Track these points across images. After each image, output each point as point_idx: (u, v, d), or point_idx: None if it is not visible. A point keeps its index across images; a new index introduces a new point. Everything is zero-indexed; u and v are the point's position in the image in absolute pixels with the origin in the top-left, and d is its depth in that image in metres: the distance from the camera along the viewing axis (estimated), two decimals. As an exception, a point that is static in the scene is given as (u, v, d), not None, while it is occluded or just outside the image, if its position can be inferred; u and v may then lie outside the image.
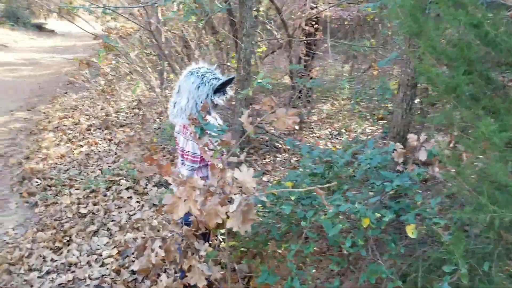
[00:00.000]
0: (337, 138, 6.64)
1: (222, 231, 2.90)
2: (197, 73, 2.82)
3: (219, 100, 2.88)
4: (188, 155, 2.86)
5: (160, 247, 2.93)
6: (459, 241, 1.97)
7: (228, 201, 2.16)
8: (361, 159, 2.73)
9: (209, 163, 2.81)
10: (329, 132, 6.88)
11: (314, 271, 2.79)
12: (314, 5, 7.31)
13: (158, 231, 3.33)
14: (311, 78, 6.95)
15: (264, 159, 5.76)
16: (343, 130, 6.85)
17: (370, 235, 2.40)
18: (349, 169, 2.85)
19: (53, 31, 20.82)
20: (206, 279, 2.84)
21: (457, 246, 1.99)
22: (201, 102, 2.82)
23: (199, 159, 2.79)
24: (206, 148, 2.35)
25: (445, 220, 2.17)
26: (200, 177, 2.89)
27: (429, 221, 2.24)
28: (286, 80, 8.36)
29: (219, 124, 2.83)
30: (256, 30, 8.20)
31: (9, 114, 8.07)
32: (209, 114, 2.88)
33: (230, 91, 2.99)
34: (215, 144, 2.57)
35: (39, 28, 21.68)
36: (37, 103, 8.76)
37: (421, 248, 2.38)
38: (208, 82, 2.80)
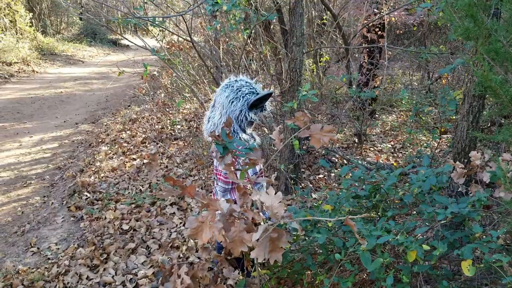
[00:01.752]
0: (400, 152, 6.10)
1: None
2: (232, 86, 2.57)
3: (255, 116, 2.61)
4: (220, 174, 2.63)
5: (186, 273, 2.70)
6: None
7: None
8: (412, 180, 2.31)
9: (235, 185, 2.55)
10: (392, 145, 6.34)
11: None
12: (377, 11, 6.85)
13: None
14: (374, 87, 6.48)
15: (318, 174, 5.38)
16: (407, 144, 6.28)
17: (418, 271, 2.00)
18: (398, 191, 2.44)
19: (127, 46, 21.84)
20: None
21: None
22: (236, 118, 2.57)
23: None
24: (232, 168, 2.08)
25: (509, 258, 1.73)
26: (234, 199, 2.63)
27: (490, 258, 1.81)
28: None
29: (248, 142, 2.55)
30: (320, 40, 7.88)
31: (74, 126, 8.37)
32: (244, 131, 2.61)
33: (268, 107, 2.71)
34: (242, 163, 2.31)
35: (114, 43, 22.92)
36: (101, 116, 9.03)
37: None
38: (243, 96, 2.54)
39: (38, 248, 4.12)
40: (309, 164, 5.64)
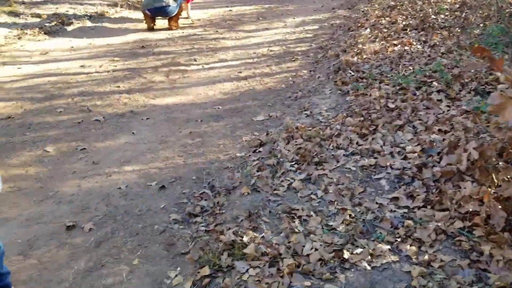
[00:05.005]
0: None
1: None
2: None
3: None
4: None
5: (475, 148, 2.66)
6: None
7: None
8: None
9: None
10: None
11: None
12: None
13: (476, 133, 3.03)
14: None
15: None
16: None
17: None
18: None
19: None
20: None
21: None
22: None
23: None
24: None
25: None
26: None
27: None
28: None
29: None
30: None
31: (331, 11, 8.65)
32: None
33: None
34: None
35: None
36: (357, 3, 9.04)
37: None
38: None
39: (310, 112, 4.64)
40: None
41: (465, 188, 2.92)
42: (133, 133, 4.68)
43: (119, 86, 6.00)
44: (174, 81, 6.21)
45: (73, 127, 4.84)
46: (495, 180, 2.65)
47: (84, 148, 4.38)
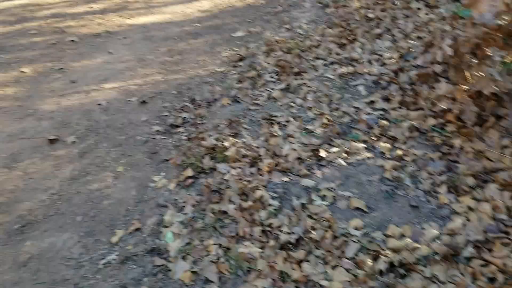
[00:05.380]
0: None
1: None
2: None
3: None
4: None
5: (449, 46, 2.69)
6: None
7: None
8: None
9: None
10: None
11: None
12: None
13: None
14: None
15: None
16: None
17: None
18: None
19: None
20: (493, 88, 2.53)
21: None
22: None
23: None
24: None
25: None
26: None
27: None
28: None
29: None
30: None
31: None
32: None
33: None
34: None
35: None
36: None
37: None
38: None
39: (291, 26, 4.57)
40: None
41: (439, 88, 2.99)
42: (110, 52, 4.59)
43: (92, 7, 5.79)
44: (149, 0, 6.00)
45: (48, 48, 4.72)
46: (468, 77, 2.71)
47: (61, 68, 4.31)
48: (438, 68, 3.15)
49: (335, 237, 2.17)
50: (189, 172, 2.70)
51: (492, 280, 1.91)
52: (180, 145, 3.05)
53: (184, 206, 2.49)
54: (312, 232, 2.20)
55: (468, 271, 1.95)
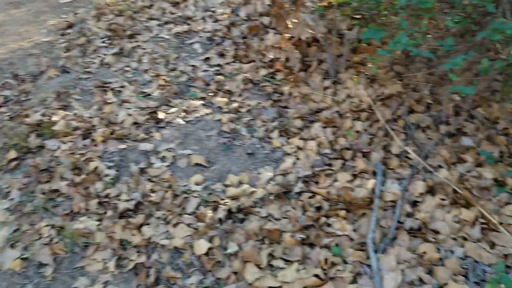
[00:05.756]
0: None
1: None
2: None
3: None
4: None
5: (268, -4, 2.77)
6: None
7: None
8: None
9: None
10: None
11: (426, 29, 2.44)
12: None
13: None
14: None
15: None
16: None
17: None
18: None
19: None
20: (309, 32, 2.70)
21: None
22: None
23: None
24: None
25: None
26: None
27: None
28: None
29: None
30: None
31: None
32: None
33: None
34: None
35: None
36: None
37: None
38: None
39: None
40: None
41: (268, 39, 3.10)
42: None
43: None
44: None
45: None
46: (289, 25, 2.84)
47: None
48: (266, 20, 3.27)
49: (175, 196, 2.17)
50: (12, 154, 2.43)
51: (318, 208, 2.09)
52: (1, 126, 2.72)
53: (9, 192, 2.25)
54: (152, 195, 2.16)
55: (298, 204, 2.10)
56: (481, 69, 1.94)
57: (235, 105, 2.73)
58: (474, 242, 1.89)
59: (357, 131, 2.46)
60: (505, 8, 1.91)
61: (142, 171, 2.31)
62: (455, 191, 2.08)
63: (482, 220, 1.96)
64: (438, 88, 2.53)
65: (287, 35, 2.90)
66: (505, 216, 1.98)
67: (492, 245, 1.89)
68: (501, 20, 1.81)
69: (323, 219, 2.02)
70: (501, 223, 1.95)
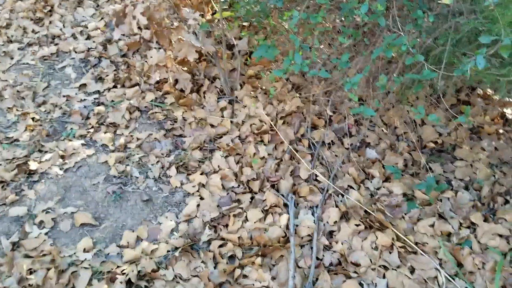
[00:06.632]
0: None
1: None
2: None
3: None
4: None
5: (142, 13, 2.45)
6: (508, 4, 1.48)
7: None
8: None
9: None
10: None
11: (321, 46, 2.32)
12: None
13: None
14: None
15: None
16: None
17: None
18: None
19: None
20: (197, 52, 2.43)
21: (503, 12, 1.50)
22: None
23: None
24: None
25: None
26: None
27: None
28: None
29: None
30: None
31: None
32: None
33: None
34: None
35: None
36: None
37: (455, 19, 1.84)
38: None
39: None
40: None
41: (151, 57, 2.76)
42: None
43: None
44: None
45: None
46: (173, 43, 2.54)
47: None
48: (147, 34, 2.91)
49: (61, 272, 1.80)
50: None
51: (232, 257, 1.88)
52: None
53: None
54: (31, 277, 1.77)
55: (209, 256, 1.87)
56: (380, 86, 1.84)
57: (122, 140, 2.38)
58: (394, 269, 1.81)
59: (262, 157, 2.26)
60: (396, 19, 1.81)
61: (16, 245, 1.90)
62: (367, 212, 1.99)
63: (398, 244, 1.89)
64: (338, 104, 2.43)
65: (172, 55, 2.60)
66: (419, 234, 1.93)
67: (412, 270, 1.82)
68: (393, 35, 1.70)
69: (238, 271, 1.81)
70: (416, 243, 1.90)
